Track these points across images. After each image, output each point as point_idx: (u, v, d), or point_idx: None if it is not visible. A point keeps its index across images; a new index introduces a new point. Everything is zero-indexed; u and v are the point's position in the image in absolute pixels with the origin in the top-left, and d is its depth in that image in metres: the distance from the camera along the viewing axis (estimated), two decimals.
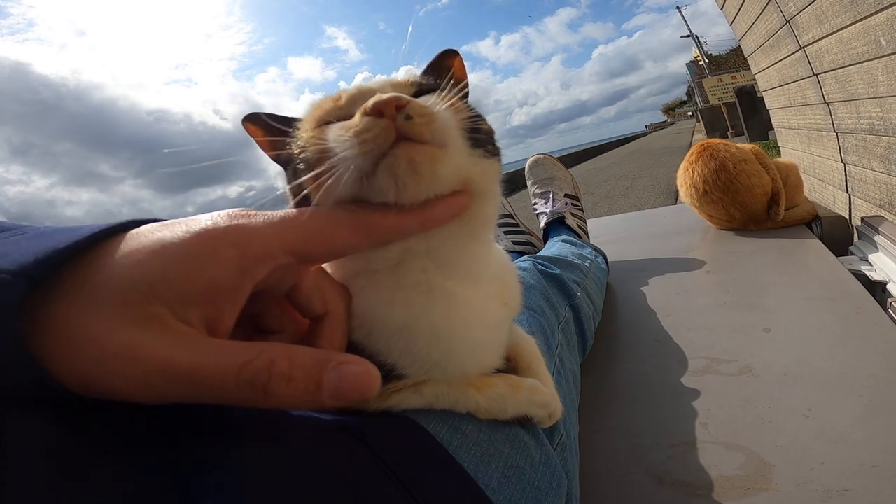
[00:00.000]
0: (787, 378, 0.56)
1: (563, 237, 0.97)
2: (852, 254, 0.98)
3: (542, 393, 0.38)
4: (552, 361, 0.50)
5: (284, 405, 0.21)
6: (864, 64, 1.03)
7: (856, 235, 1.06)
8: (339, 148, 0.25)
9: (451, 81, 0.30)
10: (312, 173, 0.26)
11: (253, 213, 0.23)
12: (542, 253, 0.85)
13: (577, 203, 1.10)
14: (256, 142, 0.33)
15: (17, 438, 0.18)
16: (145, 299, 0.19)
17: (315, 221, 0.24)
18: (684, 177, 1.15)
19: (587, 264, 0.83)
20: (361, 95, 0.29)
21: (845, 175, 1.31)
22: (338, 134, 0.26)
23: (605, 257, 0.97)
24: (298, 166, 0.28)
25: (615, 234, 1.35)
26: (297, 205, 0.29)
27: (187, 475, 0.21)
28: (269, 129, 0.31)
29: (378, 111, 0.25)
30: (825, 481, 0.41)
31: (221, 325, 0.22)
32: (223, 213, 0.23)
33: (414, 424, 0.32)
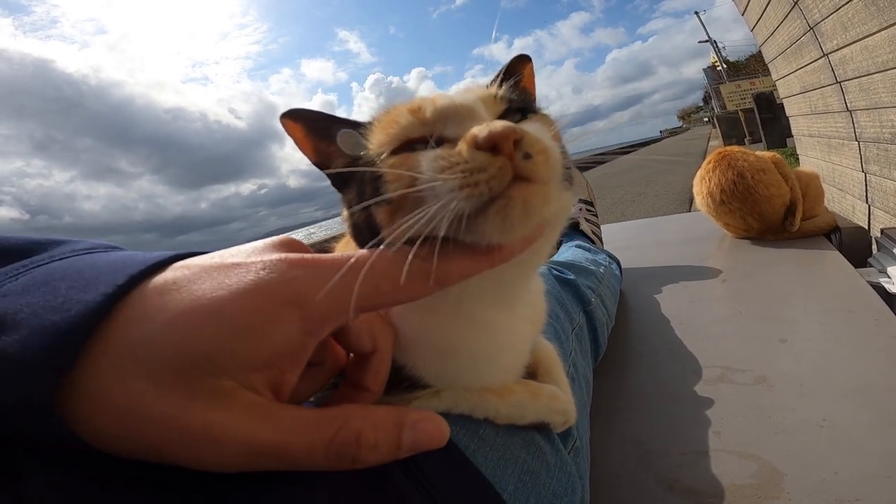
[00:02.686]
0: (803, 388, 0.56)
1: (577, 242, 0.97)
2: (871, 265, 0.97)
3: (561, 400, 0.38)
4: (566, 366, 0.50)
5: (366, 466, 0.21)
6: (890, 72, 1.02)
7: (875, 247, 1.04)
8: (439, 188, 0.22)
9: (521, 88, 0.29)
10: (386, 204, 0.24)
11: (309, 258, 0.21)
12: (556, 258, 0.86)
13: (592, 208, 1.10)
14: (296, 140, 0.29)
15: (36, 487, 0.17)
16: (208, 372, 0.18)
17: (384, 273, 0.21)
18: (701, 185, 1.14)
19: (601, 270, 0.83)
20: (453, 112, 0.26)
21: (866, 185, 1.28)
22: (435, 167, 0.22)
23: (618, 264, 0.97)
24: (367, 189, 0.25)
25: (629, 241, 1.34)
26: (357, 229, 0.27)
27: None
28: (315, 129, 0.29)
29: (494, 146, 0.21)
30: (838, 491, 0.41)
31: (285, 385, 0.21)
32: (276, 258, 0.20)
33: None
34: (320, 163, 0.30)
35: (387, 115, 0.27)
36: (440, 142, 0.25)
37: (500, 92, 0.29)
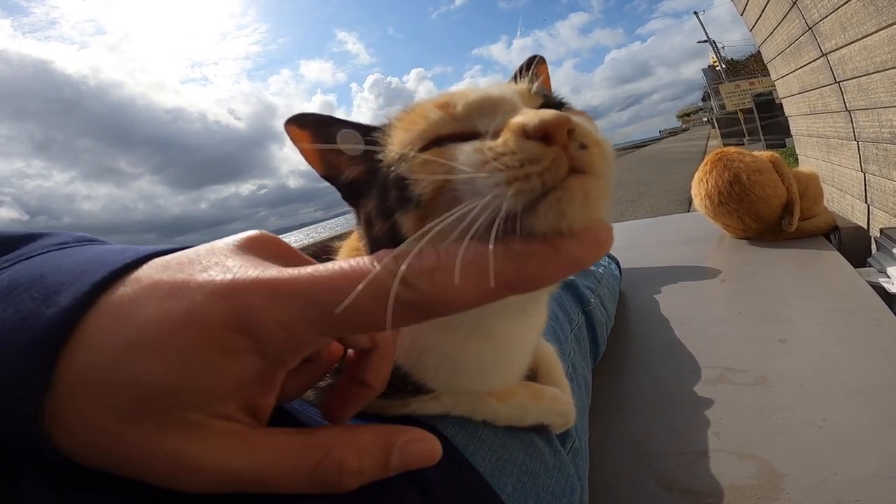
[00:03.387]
0: (803, 389, 0.56)
1: None
2: (871, 265, 0.97)
3: (562, 402, 0.38)
4: (565, 367, 0.50)
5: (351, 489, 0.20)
6: (889, 72, 1.02)
7: (874, 247, 1.04)
8: (481, 183, 0.19)
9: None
10: (414, 209, 0.21)
11: (266, 280, 0.17)
12: None
13: None
14: (301, 150, 0.26)
15: (36, 487, 0.17)
16: (173, 406, 0.17)
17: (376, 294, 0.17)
18: (699, 187, 1.14)
19: (600, 271, 0.83)
20: (489, 105, 0.23)
21: (865, 185, 1.29)
22: (476, 160, 0.20)
23: (618, 264, 0.97)
24: (391, 195, 0.23)
25: (628, 241, 1.34)
26: (377, 246, 0.24)
27: None
28: (321, 135, 0.26)
29: (546, 135, 0.19)
30: (837, 491, 0.41)
31: (263, 406, 0.20)
32: (227, 280, 0.17)
33: (430, 428, 0.33)
34: (330, 174, 0.27)
35: (410, 114, 0.25)
36: (474, 137, 0.22)
37: (535, 87, 0.26)
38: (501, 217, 0.18)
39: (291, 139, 0.26)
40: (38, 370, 0.16)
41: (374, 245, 0.26)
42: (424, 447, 0.22)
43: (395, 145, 0.24)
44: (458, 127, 0.23)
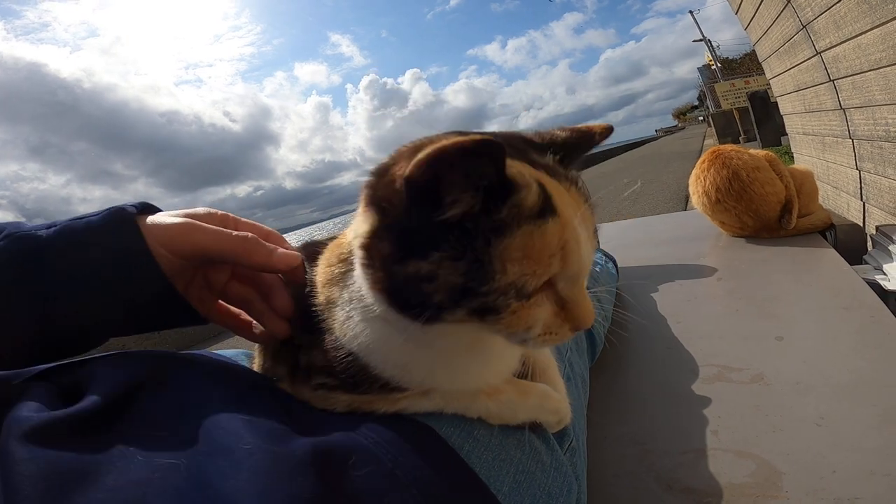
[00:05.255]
0: (800, 386, 0.56)
1: None
2: (867, 262, 0.97)
3: (552, 399, 0.38)
4: (562, 366, 0.50)
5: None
6: (882, 70, 1.02)
7: (870, 244, 1.05)
8: (538, 328, 0.28)
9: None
10: (495, 310, 0.26)
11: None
12: None
13: None
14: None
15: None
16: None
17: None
18: (696, 184, 1.14)
19: (598, 269, 0.83)
20: (581, 272, 0.28)
21: (860, 182, 1.29)
22: (542, 327, 0.28)
23: (615, 263, 0.97)
24: (475, 275, 0.25)
25: (625, 240, 1.34)
26: (415, 281, 0.26)
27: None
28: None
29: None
30: (836, 490, 0.41)
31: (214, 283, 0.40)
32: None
33: (425, 428, 0.32)
34: (425, 194, 0.25)
35: (532, 240, 0.25)
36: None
37: (590, 205, 0.30)
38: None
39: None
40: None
41: (388, 278, 0.27)
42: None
43: (515, 271, 0.25)
44: (554, 274, 0.27)
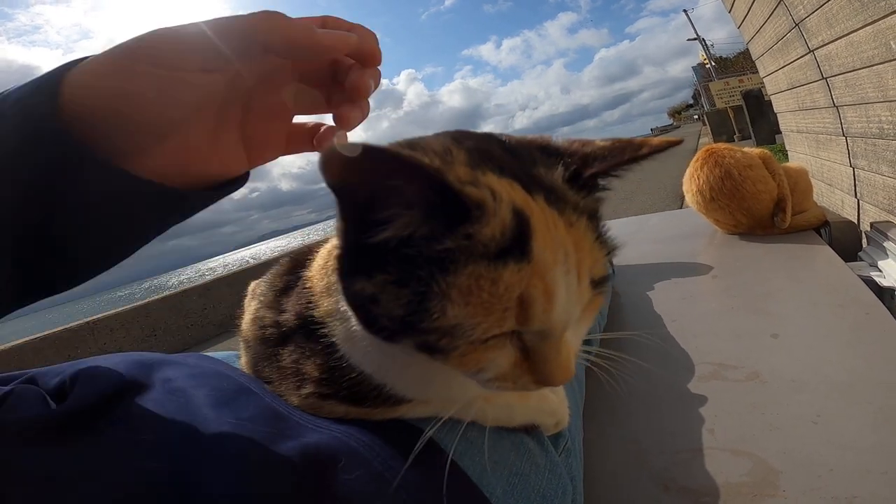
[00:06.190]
0: (796, 384, 0.55)
1: None
2: (861, 259, 0.98)
3: (550, 401, 0.38)
4: None
5: None
6: (875, 67, 1.02)
7: (865, 241, 1.05)
8: (490, 374, 0.25)
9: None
10: (448, 341, 0.22)
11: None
12: None
13: None
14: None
15: None
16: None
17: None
18: (690, 183, 1.14)
19: None
20: (559, 330, 0.24)
21: (854, 179, 1.30)
22: (497, 377, 0.25)
23: (610, 261, 0.97)
24: (423, 320, 0.22)
25: (620, 238, 1.34)
26: (370, 304, 0.23)
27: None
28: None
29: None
30: (833, 488, 0.41)
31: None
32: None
33: (416, 430, 0.32)
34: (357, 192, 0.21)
35: (478, 285, 0.21)
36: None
37: (600, 242, 0.26)
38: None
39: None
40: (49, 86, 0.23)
41: (364, 301, 0.24)
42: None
43: (465, 314, 0.21)
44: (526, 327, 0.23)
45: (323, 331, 0.30)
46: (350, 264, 0.24)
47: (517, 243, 0.21)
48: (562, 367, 0.24)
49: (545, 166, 0.25)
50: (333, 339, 0.30)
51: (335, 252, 0.26)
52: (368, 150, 0.18)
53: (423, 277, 0.21)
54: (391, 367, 0.29)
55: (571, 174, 0.25)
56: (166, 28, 0.25)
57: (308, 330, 0.31)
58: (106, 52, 0.25)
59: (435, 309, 0.21)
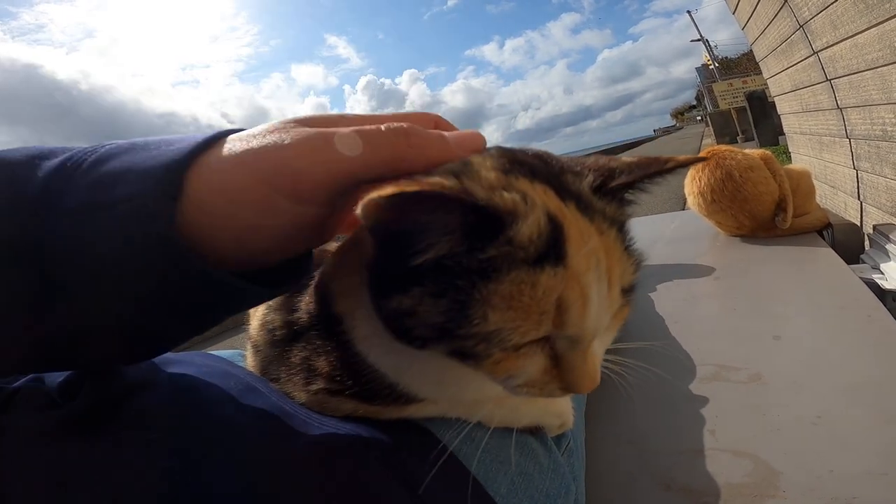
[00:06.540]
0: (797, 386, 0.56)
1: None
2: (864, 262, 0.97)
3: (557, 403, 0.38)
4: None
5: None
6: (879, 69, 1.02)
7: (867, 243, 1.05)
8: (520, 380, 0.25)
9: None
10: (483, 353, 0.23)
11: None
12: None
13: None
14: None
15: None
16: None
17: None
18: (691, 185, 1.14)
19: None
20: (589, 335, 0.25)
21: (857, 182, 1.29)
22: (528, 381, 0.25)
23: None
24: (476, 319, 0.22)
25: None
26: (412, 317, 0.23)
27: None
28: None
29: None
30: (833, 489, 0.41)
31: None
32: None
33: (423, 429, 0.32)
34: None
35: (520, 290, 0.22)
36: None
37: (628, 253, 0.27)
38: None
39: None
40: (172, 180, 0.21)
41: (406, 317, 0.24)
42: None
43: (506, 319, 0.22)
44: (549, 334, 0.24)
45: (338, 328, 0.30)
46: (383, 284, 0.24)
47: (552, 248, 0.22)
48: (588, 376, 0.25)
49: (573, 174, 0.26)
50: (349, 338, 0.29)
51: (364, 261, 0.26)
52: (398, 194, 0.18)
53: (462, 286, 0.22)
54: (409, 368, 0.29)
55: (599, 184, 0.26)
56: (314, 146, 0.22)
57: (322, 327, 0.31)
58: (238, 152, 0.22)
59: (476, 315, 0.22)
